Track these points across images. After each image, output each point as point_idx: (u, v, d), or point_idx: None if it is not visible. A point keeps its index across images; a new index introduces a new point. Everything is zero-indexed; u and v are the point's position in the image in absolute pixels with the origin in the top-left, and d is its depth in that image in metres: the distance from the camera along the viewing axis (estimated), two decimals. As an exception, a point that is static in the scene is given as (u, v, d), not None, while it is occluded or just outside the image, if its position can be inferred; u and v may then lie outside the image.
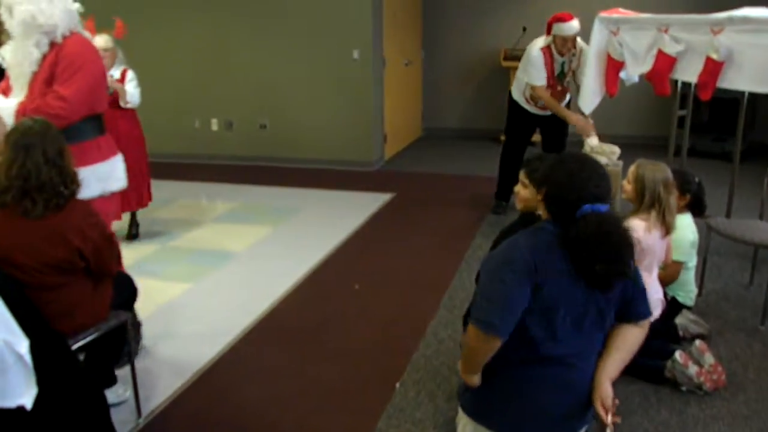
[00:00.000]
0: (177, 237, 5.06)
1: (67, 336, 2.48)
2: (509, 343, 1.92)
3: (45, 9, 2.81)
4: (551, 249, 1.91)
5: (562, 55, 4.96)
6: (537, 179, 2.15)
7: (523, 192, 2.57)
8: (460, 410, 2.21)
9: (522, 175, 2.58)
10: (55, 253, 2.41)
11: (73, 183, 2.49)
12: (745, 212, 4.96)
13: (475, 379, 2.06)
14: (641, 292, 2.06)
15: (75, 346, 2.50)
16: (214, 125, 7.37)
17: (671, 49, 4.01)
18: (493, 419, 2.06)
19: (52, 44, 2.90)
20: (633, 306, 2.04)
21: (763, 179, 5.88)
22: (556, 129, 5.33)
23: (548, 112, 5.23)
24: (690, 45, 3.94)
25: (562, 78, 5.06)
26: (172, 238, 5.03)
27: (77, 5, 3.02)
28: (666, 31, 4.01)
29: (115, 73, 4.55)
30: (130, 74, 4.62)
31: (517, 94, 5.35)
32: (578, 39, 4.97)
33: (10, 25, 2.88)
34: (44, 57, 2.89)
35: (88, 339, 2.58)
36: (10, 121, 2.82)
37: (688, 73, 4.01)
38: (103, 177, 3.05)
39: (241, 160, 7.34)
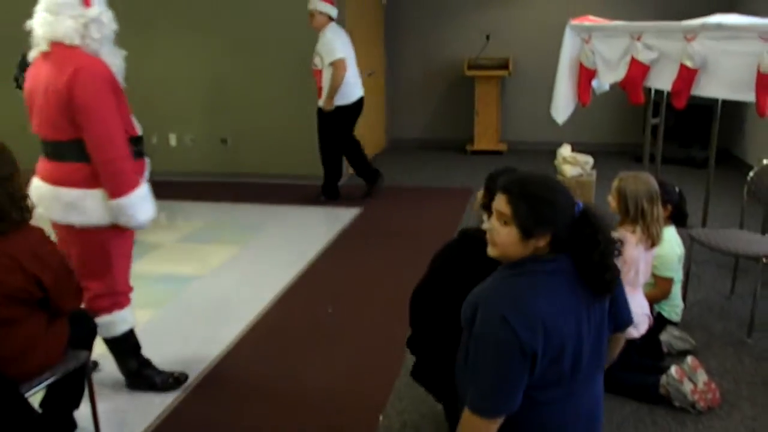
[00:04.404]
0: (135, 260, 4.78)
1: (20, 381, 2.27)
2: None
3: None
4: (554, 291, 1.70)
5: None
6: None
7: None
8: None
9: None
10: (12, 280, 2.21)
11: (25, 209, 2.30)
12: (714, 219, 4.94)
13: None
14: (624, 298, 1.94)
15: (29, 393, 2.27)
16: (173, 140, 7.10)
17: (645, 56, 3.95)
18: None
19: None
20: (619, 314, 1.91)
21: (729, 186, 5.91)
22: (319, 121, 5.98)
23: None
24: (663, 52, 3.89)
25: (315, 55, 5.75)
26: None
27: None
28: (639, 38, 3.96)
29: None
30: None
31: None
32: (325, 26, 5.68)
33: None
34: None
35: (44, 384, 2.35)
36: None
37: (662, 80, 3.96)
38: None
39: (202, 176, 7.08)
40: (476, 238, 2.36)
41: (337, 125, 5.94)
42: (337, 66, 5.67)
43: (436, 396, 2.58)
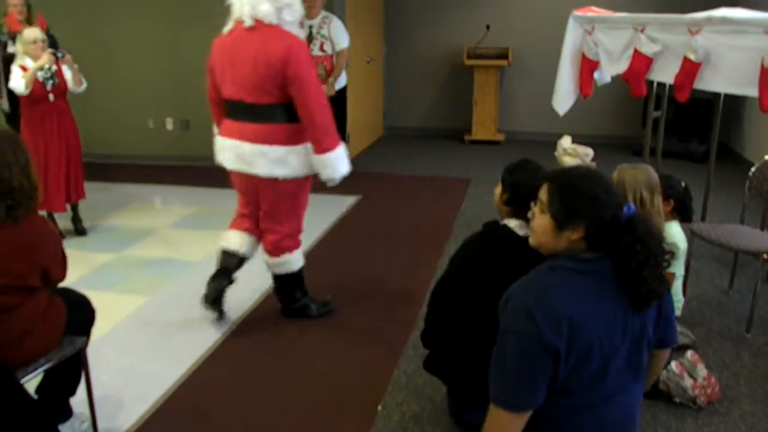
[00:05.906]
0: (131, 245, 4.77)
1: (16, 367, 2.24)
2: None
3: None
4: (584, 292, 1.67)
5: (309, 18, 5.61)
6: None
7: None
8: None
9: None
10: (18, 268, 2.20)
11: (34, 198, 2.27)
12: (714, 214, 4.94)
13: None
14: (672, 317, 1.90)
15: (25, 379, 2.25)
16: (169, 125, 7.04)
17: (648, 49, 3.92)
18: None
19: None
20: (664, 331, 1.86)
21: (727, 181, 5.91)
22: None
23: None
24: (667, 45, 3.86)
25: (311, 40, 5.69)
26: (125, 246, 4.74)
27: None
28: (643, 30, 3.92)
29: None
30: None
31: None
32: (328, 14, 5.77)
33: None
34: None
35: (40, 370, 2.32)
36: None
37: (665, 73, 3.93)
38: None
39: (198, 161, 7.01)
40: (498, 236, 2.34)
41: (343, 106, 6.17)
42: (344, 54, 5.83)
43: (451, 387, 2.56)
